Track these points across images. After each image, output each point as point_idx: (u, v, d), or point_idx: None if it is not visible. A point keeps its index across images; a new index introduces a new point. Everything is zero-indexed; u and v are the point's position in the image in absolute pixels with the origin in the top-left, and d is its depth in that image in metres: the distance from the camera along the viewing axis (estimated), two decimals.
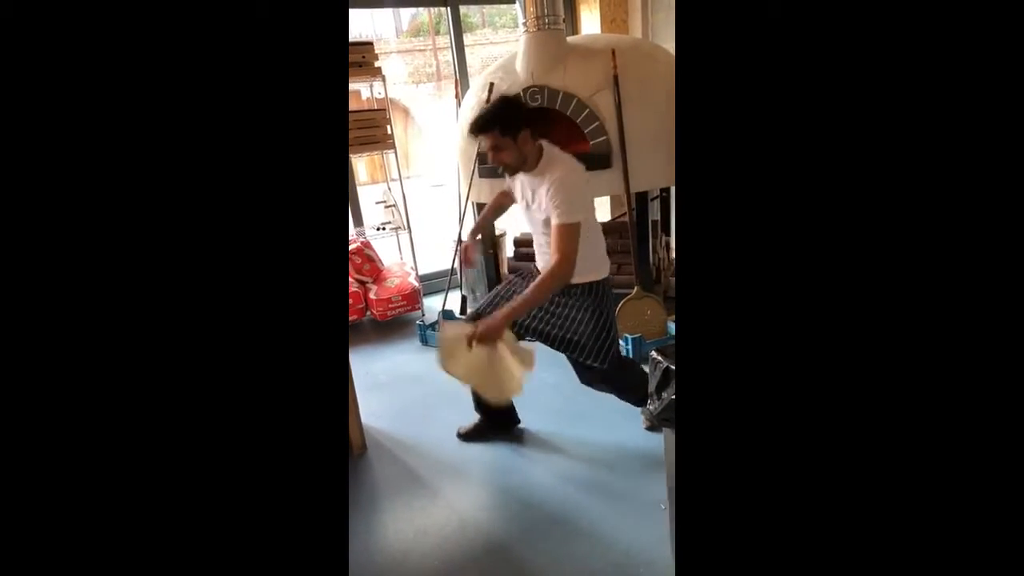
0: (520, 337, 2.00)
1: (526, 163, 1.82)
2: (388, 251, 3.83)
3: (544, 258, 1.93)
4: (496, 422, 2.23)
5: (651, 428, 2.12)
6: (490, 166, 2.95)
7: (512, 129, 1.75)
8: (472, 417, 2.29)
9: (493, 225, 3.26)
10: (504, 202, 2.15)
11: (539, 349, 2.76)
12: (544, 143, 1.84)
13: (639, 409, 2.21)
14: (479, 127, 1.78)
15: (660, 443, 1.30)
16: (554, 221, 1.73)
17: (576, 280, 1.84)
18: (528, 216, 1.93)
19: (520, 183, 1.90)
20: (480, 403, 2.19)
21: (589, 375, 2.01)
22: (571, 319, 1.91)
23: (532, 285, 1.80)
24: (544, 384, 2.52)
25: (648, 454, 1.99)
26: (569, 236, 1.73)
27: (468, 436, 2.23)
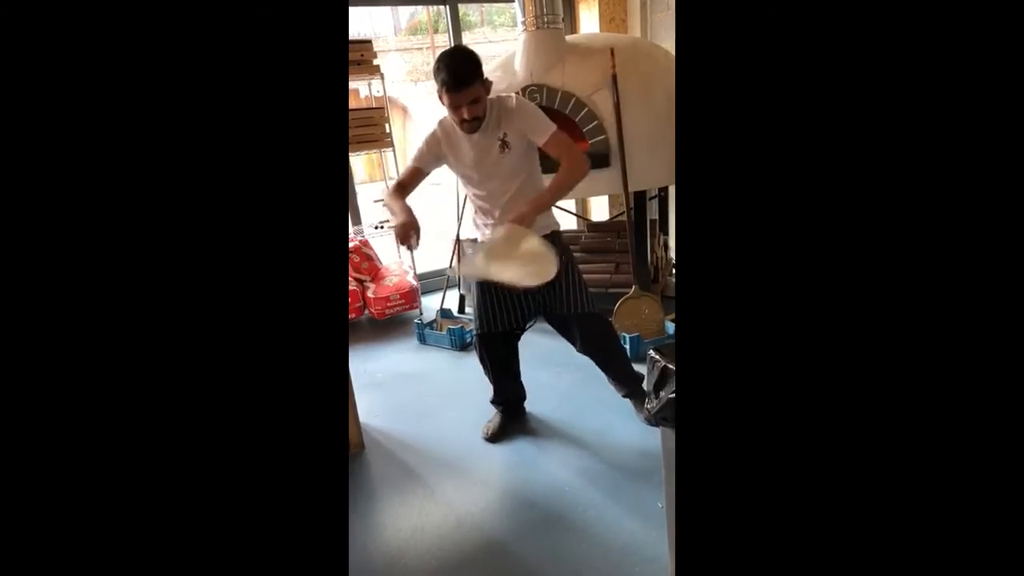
0: (520, 327, 2.09)
1: (485, 116, 1.77)
2: (386, 250, 3.82)
3: (504, 205, 1.88)
4: (513, 408, 2.28)
5: (648, 421, 2.13)
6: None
7: (484, 79, 1.71)
8: (473, 416, 2.29)
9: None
10: (410, 189, 1.91)
11: (535, 348, 2.76)
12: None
13: (630, 402, 2.22)
14: (462, 82, 1.65)
15: (657, 442, 1.30)
16: (546, 136, 1.76)
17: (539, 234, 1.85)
18: (488, 171, 1.84)
19: (468, 144, 1.82)
20: (498, 395, 2.24)
21: (587, 328, 2.07)
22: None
23: (553, 182, 1.77)
24: (541, 383, 2.52)
25: (645, 453, 2.00)
26: (566, 138, 1.78)
27: (495, 437, 2.20)
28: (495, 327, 2.06)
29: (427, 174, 1.92)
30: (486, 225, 1.98)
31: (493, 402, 2.27)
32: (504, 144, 1.80)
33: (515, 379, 2.28)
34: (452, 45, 1.70)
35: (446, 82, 1.66)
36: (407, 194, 1.88)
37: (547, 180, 1.83)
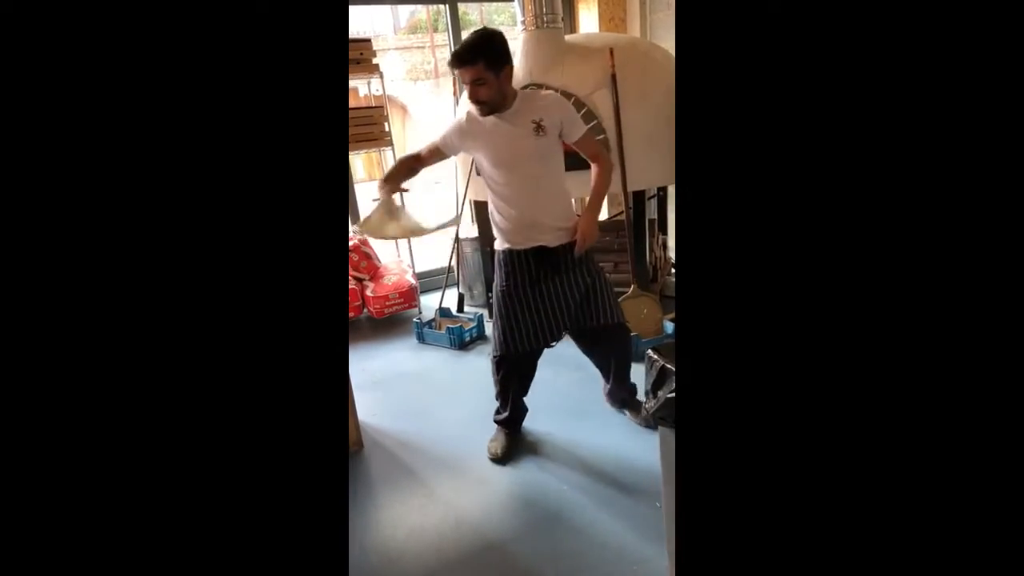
0: (548, 345, 2.02)
1: (504, 102, 1.76)
2: (385, 248, 3.82)
3: (532, 192, 1.85)
4: (517, 426, 2.19)
5: (646, 424, 2.12)
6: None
7: (496, 64, 1.69)
8: (472, 415, 2.28)
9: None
10: (426, 162, 1.95)
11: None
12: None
13: (626, 411, 2.22)
14: (461, 59, 1.67)
15: (655, 441, 1.30)
16: (582, 132, 1.85)
17: (567, 240, 1.89)
18: (517, 157, 1.81)
19: (497, 130, 1.80)
20: (508, 417, 2.12)
21: (614, 339, 2.06)
22: (589, 285, 1.95)
23: (593, 188, 1.89)
24: (539, 382, 2.51)
25: (643, 452, 2.00)
26: (596, 139, 1.91)
27: (505, 456, 2.07)
28: (522, 346, 1.94)
29: (445, 156, 1.94)
30: (505, 221, 1.89)
31: (499, 422, 2.15)
32: (540, 128, 1.78)
33: (525, 396, 2.16)
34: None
35: (451, 56, 1.73)
36: (417, 169, 1.94)
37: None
